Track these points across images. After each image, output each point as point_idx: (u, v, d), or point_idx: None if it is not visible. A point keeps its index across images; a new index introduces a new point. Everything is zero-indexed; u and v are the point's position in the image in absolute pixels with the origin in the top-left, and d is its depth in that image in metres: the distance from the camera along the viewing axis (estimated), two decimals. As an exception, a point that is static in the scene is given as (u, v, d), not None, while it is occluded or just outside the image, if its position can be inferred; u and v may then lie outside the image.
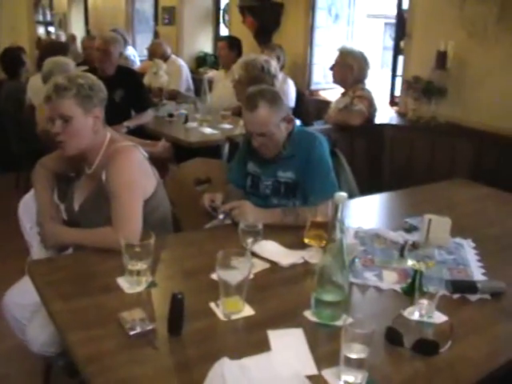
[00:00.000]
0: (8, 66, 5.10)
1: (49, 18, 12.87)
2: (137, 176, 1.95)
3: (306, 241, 1.87)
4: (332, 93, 5.01)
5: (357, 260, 1.84)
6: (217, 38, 7.28)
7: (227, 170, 2.53)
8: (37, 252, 2.16)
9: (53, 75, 3.49)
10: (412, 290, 1.60)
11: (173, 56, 5.93)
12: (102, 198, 1.94)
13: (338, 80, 3.95)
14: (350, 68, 3.81)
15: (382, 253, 1.94)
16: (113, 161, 1.92)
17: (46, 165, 2.23)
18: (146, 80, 5.08)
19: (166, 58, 5.61)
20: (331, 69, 3.96)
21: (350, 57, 3.82)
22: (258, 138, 2.16)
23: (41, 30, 12.05)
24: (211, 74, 5.75)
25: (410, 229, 2.14)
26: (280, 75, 3.59)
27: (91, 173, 2.02)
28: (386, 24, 12.88)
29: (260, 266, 1.79)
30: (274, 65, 3.35)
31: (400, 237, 2.04)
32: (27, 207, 2.26)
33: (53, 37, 11.29)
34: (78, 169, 2.13)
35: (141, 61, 7.16)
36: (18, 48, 5.33)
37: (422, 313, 1.52)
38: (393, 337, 1.39)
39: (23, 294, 1.99)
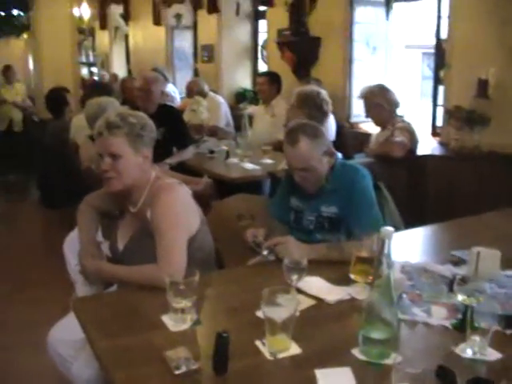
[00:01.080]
0: (53, 105, 5.35)
1: (91, 59, 13.41)
2: (182, 213, 1.97)
3: (352, 276, 1.85)
4: (372, 125, 4.99)
5: (404, 295, 1.81)
6: (255, 73, 7.40)
7: (270, 205, 2.53)
8: (81, 289, 2.19)
9: (97, 115, 3.62)
10: (463, 325, 1.56)
11: (212, 92, 6.05)
12: (147, 236, 1.95)
13: (377, 122, 3.92)
14: (380, 106, 3.78)
15: (430, 287, 1.89)
16: (158, 198, 1.94)
17: (90, 202, 2.27)
18: (186, 117, 5.18)
19: (204, 95, 5.73)
20: (366, 116, 3.97)
21: (373, 96, 3.80)
22: (300, 172, 2.17)
23: (84, 71, 12.55)
24: (251, 109, 5.83)
25: (458, 262, 2.09)
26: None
27: (136, 211, 2.04)
28: (423, 54, 12.84)
29: (306, 302, 1.77)
30: (325, 92, 3.45)
31: (448, 271, 1.99)
32: (72, 245, 2.31)
33: (95, 77, 11.74)
34: (122, 207, 2.16)
35: (181, 98, 7.34)
36: (62, 88, 5.57)
37: (475, 350, 1.47)
38: (445, 376, 1.34)
39: (68, 330, 2.00)
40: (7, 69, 7.64)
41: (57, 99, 5.32)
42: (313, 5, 5.59)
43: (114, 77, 9.83)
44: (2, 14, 8.46)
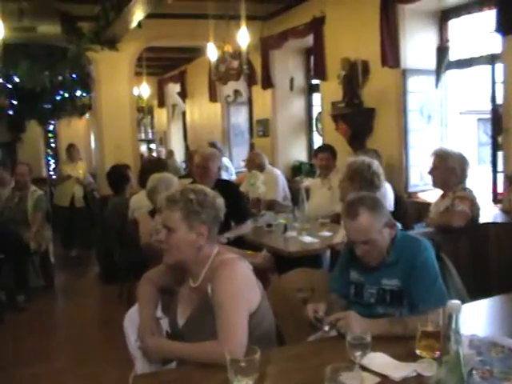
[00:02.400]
0: (114, 182, 5.59)
1: (150, 135, 14.07)
2: (242, 288, 1.97)
3: (418, 352, 1.80)
4: (431, 194, 4.94)
5: (474, 372, 1.73)
6: (311, 146, 7.54)
7: (329, 279, 2.52)
8: (140, 366, 2.18)
9: (157, 190, 3.77)
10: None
11: (269, 166, 6.16)
12: (208, 312, 1.96)
13: (439, 184, 3.81)
14: (453, 171, 3.67)
15: (501, 362, 1.81)
16: (218, 273, 1.96)
17: (150, 278, 2.31)
18: (243, 191, 5.29)
19: (262, 169, 5.83)
20: (430, 173, 3.84)
21: (450, 159, 3.69)
22: (361, 245, 2.17)
23: (143, 147, 13.15)
24: (308, 182, 5.87)
25: (530, 335, 2.00)
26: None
27: (197, 286, 2.06)
28: (478, 120, 12.75)
29: (370, 380, 1.72)
30: (377, 163, 3.44)
31: (520, 345, 1.91)
32: (132, 320, 2.32)
33: (154, 153, 12.26)
34: (182, 282, 2.18)
35: (237, 172, 7.53)
36: (123, 166, 5.83)
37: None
38: None
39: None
40: (71, 147, 8.03)
41: (117, 176, 5.58)
42: (365, 76, 5.70)
43: (170, 153, 10.27)
44: (66, 95, 9.03)
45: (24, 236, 5.55)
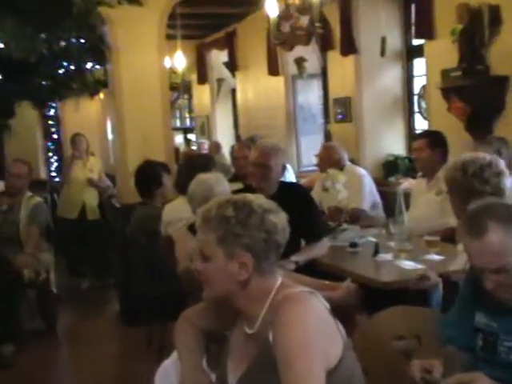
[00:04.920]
0: (144, 184, 5.62)
1: (188, 122, 14.22)
2: (315, 335, 1.95)
3: None
4: None
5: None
6: (411, 134, 7.45)
7: (443, 323, 2.48)
8: None
9: (200, 198, 3.81)
10: None
11: (350, 163, 6.14)
12: (270, 367, 1.95)
13: None
14: None
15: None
16: (282, 314, 1.96)
17: (191, 320, 2.35)
18: (316, 197, 5.26)
19: (341, 167, 5.81)
20: None
21: None
22: (493, 275, 2.12)
23: (178, 139, 13.26)
24: (407, 184, 5.82)
25: None
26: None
27: (254, 332, 2.08)
28: None
29: None
30: (501, 166, 3.34)
31: None
32: (168, 376, 2.36)
33: (193, 146, 12.37)
34: (233, 325, 2.21)
35: (305, 172, 7.50)
36: (158, 163, 5.85)
37: None
38: None
39: None
40: (77, 138, 8.13)
41: (148, 176, 5.61)
42: (494, 30, 5.56)
43: (216, 146, 10.33)
44: (72, 67, 9.04)
45: (14, 260, 5.60)
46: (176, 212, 4.67)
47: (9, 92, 9.23)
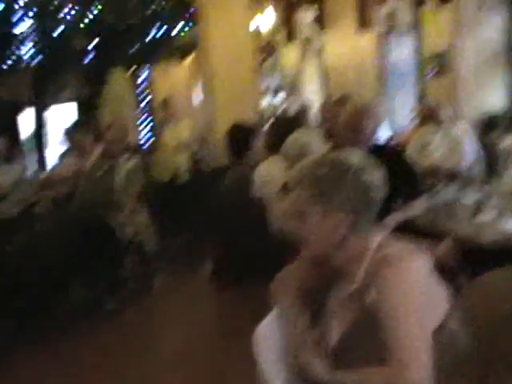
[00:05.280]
0: (235, 146, 5.61)
1: (275, 83, 14.13)
2: (420, 294, 1.92)
3: None
4: None
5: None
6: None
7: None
8: None
9: (289, 157, 3.80)
10: None
11: (448, 119, 5.97)
12: (372, 326, 1.93)
13: None
14: None
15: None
16: (386, 272, 1.93)
17: (287, 279, 2.31)
18: (411, 155, 5.16)
19: (438, 123, 5.70)
20: None
21: None
22: None
23: (265, 100, 13.21)
24: (510, 141, 5.61)
25: None
26: None
27: (353, 292, 2.05)
28: None
29: None
30: None
31: None
32: (269, 335, 2.33)
33: (280, 108, 12.31)
34: (332, 284, 2.17)
35: (396, 131, 7.34)
36: (246, 126, 5.82)
37: None
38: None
39: None
40: (167, 102, 8.35)
41: (240, 139, 5.59)
42: None
43: (304, 107, 10.23)
44: (162, 31, 9.11)
45: (112, 222, 5.76)
46: (268, 173, 4.66)
47: (103, 59, 9.40)
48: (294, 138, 3.94)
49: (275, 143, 4.31)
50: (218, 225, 6.13)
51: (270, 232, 3.99)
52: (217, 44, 6.89)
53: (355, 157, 2.09)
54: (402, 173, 4.23)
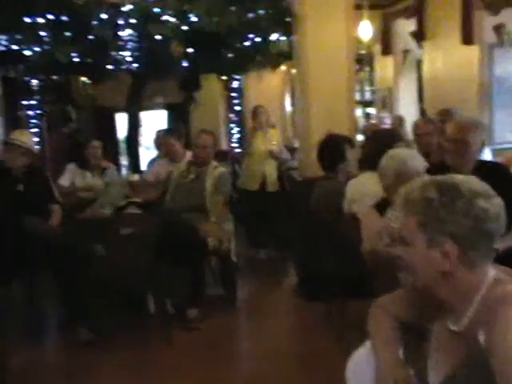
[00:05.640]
0: (328, 158, 5.52)
1: (367, 95, 13.94)
2: None
3: None
4: None
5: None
6: None
7: None
8: None
9: (386, 175, 3.65)
10: None
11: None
12: (480, 371, 1.78)
13: None
14: None
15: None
16: (501, 315, 1.76)
17: (387, 307, 2.24)
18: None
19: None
20: None
21: None
22: None
23: (357, 112, 13.05)
24: None
25: None
26: None
27: (460, 330, 1.90)
28: None
29: None
30: None
31: None
32: (361, 368, 2.23)
33: (373, 120, 12.11)
34: (435, 317, 2.05)
35: (500, 149, 7.05)
36: (342, 137, 5.71)
37: None
38: None
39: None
40: (258, 110, 8.24)
41: (333, 150, 5.50)
42: None
43: (399, 120, 10.01)
44: (258, 39, 9.09)
45: (200, 228, 5.70)
46: (361, 188, 4.54)
47: (198, 65, 9.48)
48: (393, 154, 3.77)
49: (371, 157, 4.15)
50: (306, 237, 6.07)
51: (359, 249, 3.84)
52: (312, 54, 6.77)
53: (470, 181, 1.92)
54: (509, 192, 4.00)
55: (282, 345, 5.25)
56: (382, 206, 3.70)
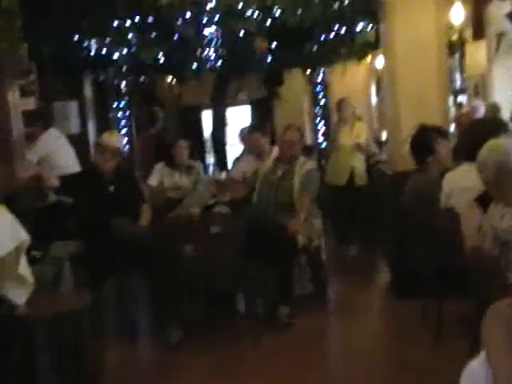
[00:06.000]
0: (418, 151, 5.33)
1: (458, 83, 13.51)
2: None
3: None
4: None
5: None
6: None
7: None
8: None
9: (487, 167, 3.44)
10: None
11: None
12: None
13: None
14: None
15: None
16: None
17: (505, 316, 2.04)
18: None
19: None
20: None
21: None
22: None
23: (450, 100, 12.65)
24: None
25: None
26: None
27: None
28: None
29: None
30: None
31: None
32: (475, 378, 2.04)
33: (464, 109, 11.72)
34: None
35: None
36: (431, 128, 5.47)
37: None
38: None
39: None
40: (342, 103, 8.14)
41: (423, 143, 5.31)
42: None
43: (494, 108, 9.62)
44: (339, 32, 8.92)
45: (289, 225, 5.59)
46: (459, 181, 4.37)
47: (281, 60, 9.41)
48: (493, 145, 3.54)
49: (470, 149, 3.93)
50: (398, 232, 5.93)
51: (457, 246, 3.66)
52: (401, 42, 6.57)
53: None
54: None
55: (374, 347, 5.08)
56: (483, 201, 3.53)
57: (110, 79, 10.57)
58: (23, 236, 3.46)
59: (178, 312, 5.27)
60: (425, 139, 5.30)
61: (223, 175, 7.97)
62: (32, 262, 4.00)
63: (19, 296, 3.51)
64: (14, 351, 3.74)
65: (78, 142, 8.86)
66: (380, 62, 11.24)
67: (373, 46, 8.86)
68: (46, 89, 9.19)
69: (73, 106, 10.58)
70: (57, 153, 7.19)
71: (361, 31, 8.80)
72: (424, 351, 4.53)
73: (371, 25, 8.49)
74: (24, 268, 3.53)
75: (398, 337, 5.17)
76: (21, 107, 6.48)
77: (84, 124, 10.66)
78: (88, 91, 10.99)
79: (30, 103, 8.60)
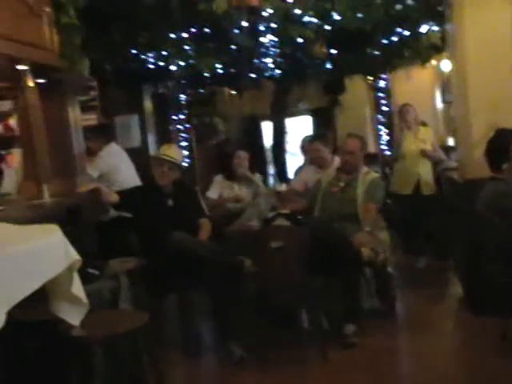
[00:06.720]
0: (491, 158, 5.09)
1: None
2: None
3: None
4: None
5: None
6: None
7: None
8: None
9: None
10: None
11: None
12: None
13: None
14: None
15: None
16: None
17: None
18: None
19: None
20: None
21: None
22: None
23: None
24: None
25: None
26: None
27: None
28: None
29: None
30: None
31: None
32: None
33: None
34: None
35: None
36: (510, 133, 5.21)
37: None
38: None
39: None
40: (404, 108, 7.91)
41: (498, 147, 5.04)
42: None
43: None
44: (406, 33, 8.59)
45: (354, 238, 5.37)
46: None
47: (341, 66, 9.17)
48: None
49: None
50: (471, 243, 5.58)
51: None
52: (471, 43, 6.20)
53: None
54: None
55: (449, 368, 4.72)
56: None
57: (169, 92, 10.52)
58: (74, 256, 3.30)
59: (241, 329, 5.08)
60: (499, 144, 5.02)
61: (283, 186, 7.74)
62: (89, 279, 3.91)
63: (74, 317, 3.35)
64: (71, 374, 3.62)
65: (139, 155, 8.79)
66: (446, 64, 10.80)
67: (438, 48, 8.48)
68: (107, 103, 9.18)
69: (134, 119, 10.59)
70: (117, 168, 7.13)
71: (426, 32, 8.42)
72: (510, 372, 4.19)
73: (437, 26, 8.11)
74: (78, 288, 3.37)
75: (476, 357, 4.75)
76: (82, 123, 6.41)
77: (144, 137, 10.64)
78: (148, 104, 10.99)
79: (92, 119, 8.61)
